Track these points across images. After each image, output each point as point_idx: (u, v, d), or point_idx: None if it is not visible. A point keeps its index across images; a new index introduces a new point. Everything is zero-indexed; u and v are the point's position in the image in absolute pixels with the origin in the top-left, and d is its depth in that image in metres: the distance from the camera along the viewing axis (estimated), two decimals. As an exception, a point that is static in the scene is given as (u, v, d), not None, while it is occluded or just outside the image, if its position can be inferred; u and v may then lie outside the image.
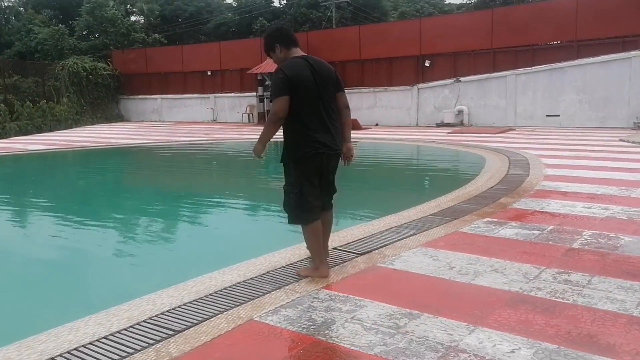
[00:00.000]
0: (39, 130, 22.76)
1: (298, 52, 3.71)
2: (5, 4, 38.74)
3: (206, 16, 42.10)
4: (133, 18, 41.48)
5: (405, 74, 21.27)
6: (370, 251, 4.24)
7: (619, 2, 17.94)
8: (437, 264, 3.90)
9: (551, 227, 4.89)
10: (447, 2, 51.35)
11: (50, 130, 22.96)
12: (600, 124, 17.19)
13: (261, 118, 24.20)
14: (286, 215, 3.74)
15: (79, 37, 34.60)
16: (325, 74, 3.65)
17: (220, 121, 26.18)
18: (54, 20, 39.77)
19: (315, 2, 38.87)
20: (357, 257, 4.11)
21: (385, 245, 4.39)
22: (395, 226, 5.01)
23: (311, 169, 3.61)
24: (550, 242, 4.41)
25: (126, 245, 5.86)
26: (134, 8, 41.82)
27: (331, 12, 38.01)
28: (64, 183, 10.70)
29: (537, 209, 5.62)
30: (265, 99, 24.18)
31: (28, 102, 24.07)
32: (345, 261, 4.01)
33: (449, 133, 16.44)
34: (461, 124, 19.41)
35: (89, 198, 8.93)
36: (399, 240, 4.54)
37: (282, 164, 3.72)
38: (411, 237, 4.61)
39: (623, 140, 12.71)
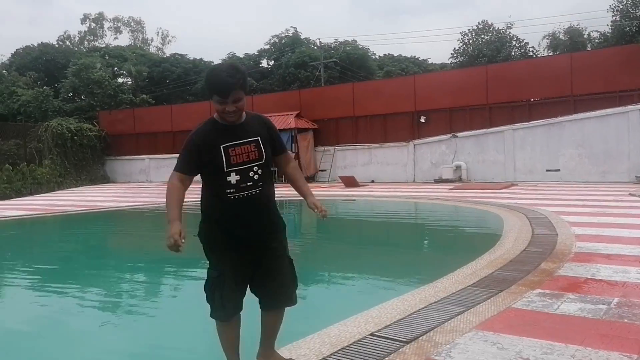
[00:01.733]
0: (19, 194, 21.80)
1: None
2: (-12, 67, 38.45)
3: (193, 77, 42.19)
4: (120, 80, 41.46)
5: (400, 130, 21.01)
6: (417, 338, 3.51)
7: (612, 58, 18.08)
8: (505, 355, 3.18)
9: (616, 299, 4.22)
10: (430, 62, 52.44)
11: (31, 194, 22.03)
12: (602, 178, 16.85)
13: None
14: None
15: (64, 98, 34.24)
16: None
17: (209, 180, 25.48)
18: (38, 82, 39.50)
19: (303, 62, 39.26)
20: (403, 346, 3.37)
21: (433, 329, 3.66)
22: (435, 302, 4.30)
23: None
24: (626, 320, 3.73)
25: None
26: (122, 70, 41.89)
27: (319, 71, 38.32)
28: (44, 255, 9.53)
29: (589, 277, 4.96)
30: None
31: (7, 165, 23.24)
32: (391, 353, 3.27)
33: (450, 189, 15.90)
34: (460, 179, 18.97)
35: (74, 273, 7.97)
36: (446, 321, 3.82)
37: (283, 234, 3.09)
38: (459, 317, 3.90)
39: (633, 195, 12.29)
